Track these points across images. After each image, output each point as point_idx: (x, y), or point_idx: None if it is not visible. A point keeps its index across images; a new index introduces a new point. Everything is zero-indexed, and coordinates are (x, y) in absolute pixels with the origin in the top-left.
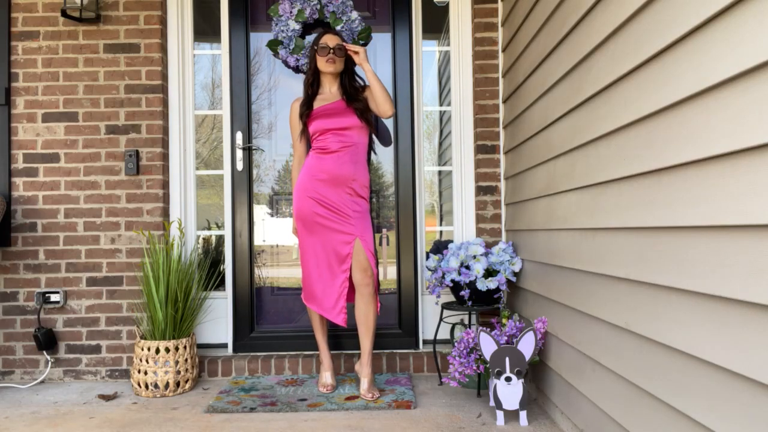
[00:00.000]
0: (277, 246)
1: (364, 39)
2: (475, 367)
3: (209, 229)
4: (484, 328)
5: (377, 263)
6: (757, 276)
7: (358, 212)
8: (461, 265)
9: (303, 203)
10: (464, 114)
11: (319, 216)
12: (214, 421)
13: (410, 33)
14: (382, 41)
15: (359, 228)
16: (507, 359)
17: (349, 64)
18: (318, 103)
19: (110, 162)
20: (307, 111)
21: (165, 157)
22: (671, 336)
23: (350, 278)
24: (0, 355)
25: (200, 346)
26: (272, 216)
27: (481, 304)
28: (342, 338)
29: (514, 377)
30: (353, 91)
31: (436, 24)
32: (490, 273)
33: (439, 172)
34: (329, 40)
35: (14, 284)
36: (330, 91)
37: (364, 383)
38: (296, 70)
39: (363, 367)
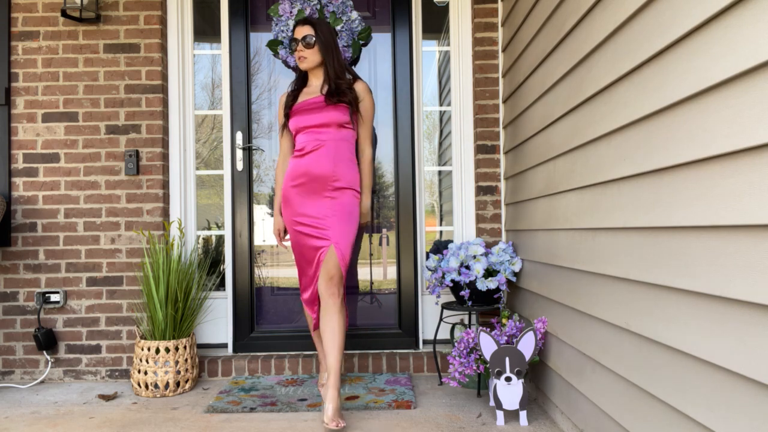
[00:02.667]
0: (277, 246)
1: (364, 39)
2: (475, 367)
3: (209, 229)
4: (484, 328)
5: (347, 270)
6: (757, 276)
7: (337, 212)
8: (461, 265)
9: (284, 212)
10: (464, 114)
11: (299, 225)
12: (214, 421)
13: (410, 33)
14: (382, 41)
15: (335, 232)
16: (507, 359)
17: (331, 52)
18: (302, 97)
19: (110, 162)
20: (291, 104)
21: (165, 157)
22: (671, 336)
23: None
24: (0, 355)
25: (200, 346)
26: (272, 216)
27: (481, 304)
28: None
29: (514, 377)
30: (336, 86)
31: (436, 24)
32: (490, 273)
33: (439, 172)
34: (298, 32)
35: (14, 284)
36: (315, 85)
37: (329, 409)
38: (296, 70)
39: (328, 390)
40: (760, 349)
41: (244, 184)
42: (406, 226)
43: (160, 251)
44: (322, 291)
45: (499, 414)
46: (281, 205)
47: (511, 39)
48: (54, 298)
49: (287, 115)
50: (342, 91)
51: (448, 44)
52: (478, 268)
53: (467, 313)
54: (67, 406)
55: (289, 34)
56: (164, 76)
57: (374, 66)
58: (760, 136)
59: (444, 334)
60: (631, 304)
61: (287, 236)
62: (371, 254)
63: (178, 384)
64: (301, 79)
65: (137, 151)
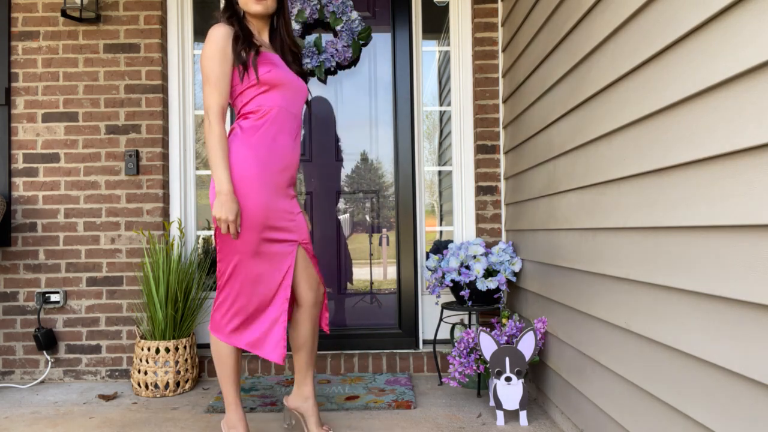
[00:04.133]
0: None
1: (364, 39)
2: (475, 367)
3: (209, 229)
4: (484, 328)
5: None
6: (757, 276)
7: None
8: (461, 265)
9: (259, 211)
10: (464, 114)
11: (273, 231)
12: (214, 421)
13: (410, 33)
14: (382, 41)
15: (299, 229)
16: (507, 359)
17: (287, 6)
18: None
19: (110, 162)
20: (256, 48)
21: (165, 157)
22: (671, 336)
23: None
24: (0, 355)
25: (200, 346)
26: None
27: (481, 304)
28: (342, 338)
29: (514, 377)
30: (295, 49)
31: (436, 24)
32: (490, 273)
33: (439, 172)
34: None
35: (14, 284)
36: (262, 39)
37: (311, 421)
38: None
39: (310, 404)
40: (760, 349)
41: None
42: (406, 226)
43: (160, 251)
44: (311, 301)
45: (499, 414)
46: (245, 186)
47: (511, 39)
48: (54, 298)
49: (250, 63)
50: (300, 60)
51: (448, 44)
52: (478, 268)
53: (467, 313)
54: (67, 406)
55: None
56: (164, 76)
57: (374, 66)
58: (760, 136)
59: (444, 334)
60: (631, 304)
61: None
62: (371, 254)
63: (178, 384)
64: (238, 21)
65: (137, 151)
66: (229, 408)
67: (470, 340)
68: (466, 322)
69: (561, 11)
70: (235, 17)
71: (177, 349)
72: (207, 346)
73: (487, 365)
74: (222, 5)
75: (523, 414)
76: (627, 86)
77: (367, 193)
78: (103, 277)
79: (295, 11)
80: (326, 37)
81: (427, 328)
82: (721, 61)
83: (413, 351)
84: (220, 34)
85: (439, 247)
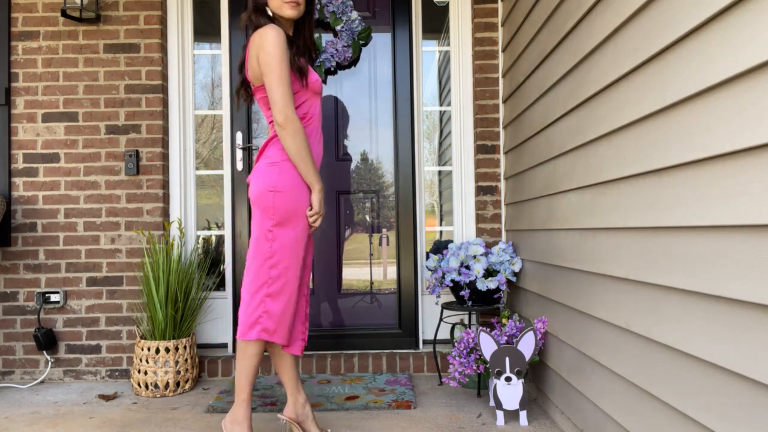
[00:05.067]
0: None
1: (364, 39)
2: (475, 367)
3: (209, 229)
4: (484, 328)
5: None
6: (757, 275)
7: None
8: (461, 265)
9: (302, 200)
10: (464, 114)
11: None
12: (214, 421)
13: (410, 33)
14: (382, 41)
15: None
16: (507, 359)
17: (314, 10)
18: None
19: (110, 162)
20: (299, 54)
21: (165, 157)
22: (671, 336)
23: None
24: (0, 355)
25: (200, 346)
26: None
27: (481, 304)
28: (342, 338)
29: (514, 377)
30: (315, 54)
31: (436, 24)
32: (490, 273)
33: (439, 172)
34: None
35: (14, 284)
36: None
37: (312, 425)
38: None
39: (308, 408)
40: (760, 349)
41: (244, 184)
42: (406, 226)
43: (160, 251)
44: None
45: (499, 414)
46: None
47: (511, 39)
48: (54, 298)
49: (302, 69)
50: (312, 61)
51: (448, 44)
52: (478, 268)
53: (467, 313)
54: (67, 406)
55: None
56: (164, 76)
57: (374, 66)
58: (760, 136)
59: (444, 334)
60: (631, 304)
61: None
62: (371, 254)
63: (178, 384)
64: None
65: (137, 151)
66: (241, 405)
67: (470, 340)
68: (466, 322)
69: (561, 11)
70: (261, 10)
71: (177, 349)
72: (207, 346)
73: (487, 365)
74: (251, 6)
75: (523, 414)
76: (627, 86)
77: (367, 193)
78: (103, 277)
79: None
80: (326, 37)
81: (427, 328)
82: (721, 61)
83: (413, 351)
84: (281, 36)
85: (439, 247)
